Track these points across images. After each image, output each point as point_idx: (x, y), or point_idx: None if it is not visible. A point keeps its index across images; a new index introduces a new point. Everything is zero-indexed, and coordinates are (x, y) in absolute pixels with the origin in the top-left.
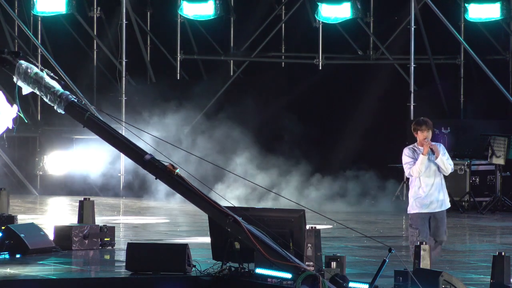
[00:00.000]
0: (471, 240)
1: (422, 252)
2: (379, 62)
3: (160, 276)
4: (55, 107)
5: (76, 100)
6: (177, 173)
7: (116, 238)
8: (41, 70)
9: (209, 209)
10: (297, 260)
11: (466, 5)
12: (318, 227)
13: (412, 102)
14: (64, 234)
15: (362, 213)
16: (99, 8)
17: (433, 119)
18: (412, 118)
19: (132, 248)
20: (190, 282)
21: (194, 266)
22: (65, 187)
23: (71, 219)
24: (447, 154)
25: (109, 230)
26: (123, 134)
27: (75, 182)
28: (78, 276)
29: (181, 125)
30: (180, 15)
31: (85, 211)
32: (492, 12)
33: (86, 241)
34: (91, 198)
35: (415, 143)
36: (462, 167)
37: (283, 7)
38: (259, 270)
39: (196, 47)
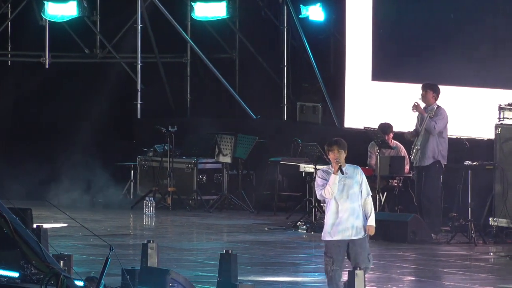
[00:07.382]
0: (198, 238)
1: (149, 251)
2: (105, 60)
3: None
4: None
5: None
6: None
7: None
8: None
9: None
10: (54, 261)
11: (193, 3)
12: (45, 226)
13: (139, 100)
14: None
15: (90, 210)
16: None
17: (160, 117)
18: (139, 116)
19: None
20: None
21: None
22: None
23: None
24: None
25: None
26: None
27: None
28: None
29: None
30: None
31: None
32: (218, 11)
33: None
34: None
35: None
36: (189, 165)
37: (9, 5)
38: None
39: None
